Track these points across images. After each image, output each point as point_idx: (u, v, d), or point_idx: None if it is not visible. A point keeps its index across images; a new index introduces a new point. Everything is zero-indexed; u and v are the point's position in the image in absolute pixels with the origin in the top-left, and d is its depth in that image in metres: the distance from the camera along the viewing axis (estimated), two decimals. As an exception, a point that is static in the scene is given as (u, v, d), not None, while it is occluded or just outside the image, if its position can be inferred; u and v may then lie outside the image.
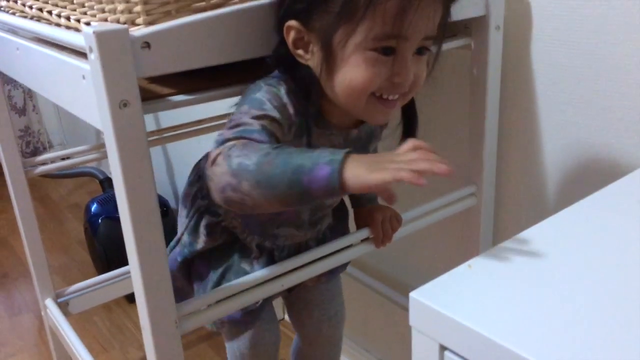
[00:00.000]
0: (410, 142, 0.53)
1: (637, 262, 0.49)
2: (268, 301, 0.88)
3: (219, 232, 0.81)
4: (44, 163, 1.19)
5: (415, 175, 0.48)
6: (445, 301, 0.44)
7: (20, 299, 1.82)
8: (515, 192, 1.02)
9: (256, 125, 0.59)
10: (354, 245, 0.85)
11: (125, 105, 0.55)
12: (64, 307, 1.26)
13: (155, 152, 2.04)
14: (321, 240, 0.86)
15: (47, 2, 0.78)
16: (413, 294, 0.46)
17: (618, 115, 0.84)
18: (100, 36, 0.53)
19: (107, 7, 0.62)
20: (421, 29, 0.60)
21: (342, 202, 0.92)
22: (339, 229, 0.89)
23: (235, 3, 0.65)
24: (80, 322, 1.62)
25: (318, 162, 0.51)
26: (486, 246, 1.03)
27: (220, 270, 0.81)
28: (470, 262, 0.50)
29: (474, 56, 0.91)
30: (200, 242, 0.81)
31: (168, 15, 0.61)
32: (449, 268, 0.50)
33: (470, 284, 0.47)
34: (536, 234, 0.54)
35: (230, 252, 0.82)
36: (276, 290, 0.77)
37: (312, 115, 0.67)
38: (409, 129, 0.75)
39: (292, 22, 0.61)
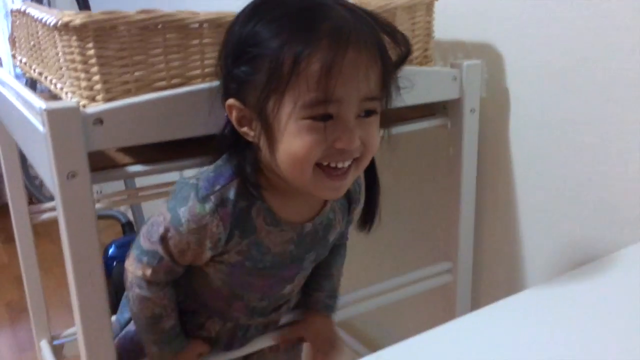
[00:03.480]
0: None
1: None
2: None
3: None
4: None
5: None
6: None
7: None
8: (493, 270, 1.01)
9: (161, 251, 0.67)
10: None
11: (73, 176, 0.60)
12: (58, 350, 1.29)
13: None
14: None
15: (45, 67, 0.85)
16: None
17: (592, 198, 0.83)
18: (50, 114, 0.58)
19: (75, 83, 0.67)
20: (355, 91, 0.58)
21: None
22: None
23: (197, 82, 0.70)
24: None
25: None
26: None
27: None
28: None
29: (450, 136, 0.93)
30: None
31: (128, 93, 0.65)
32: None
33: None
34: (512, 304, 0.58)
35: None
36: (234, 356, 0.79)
37: (258, 212, 0.66)
38: (370, 199, 0.73)
39: (231, 101, 0.61)
